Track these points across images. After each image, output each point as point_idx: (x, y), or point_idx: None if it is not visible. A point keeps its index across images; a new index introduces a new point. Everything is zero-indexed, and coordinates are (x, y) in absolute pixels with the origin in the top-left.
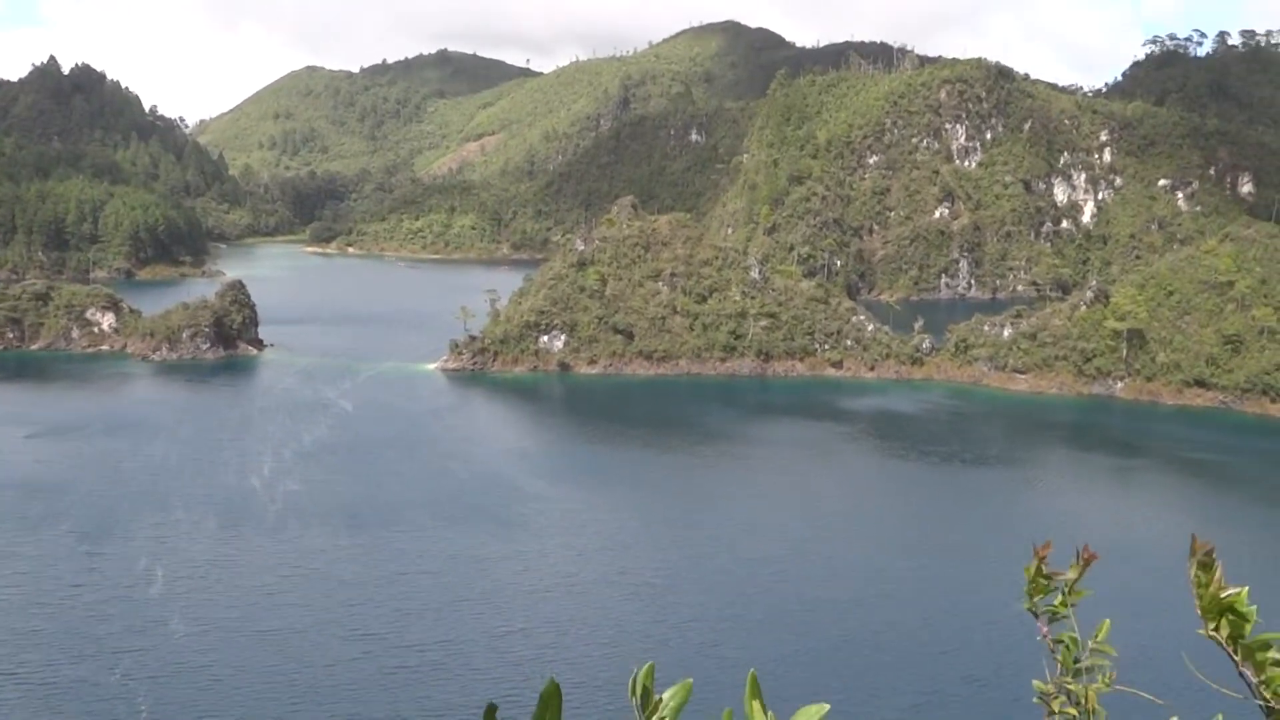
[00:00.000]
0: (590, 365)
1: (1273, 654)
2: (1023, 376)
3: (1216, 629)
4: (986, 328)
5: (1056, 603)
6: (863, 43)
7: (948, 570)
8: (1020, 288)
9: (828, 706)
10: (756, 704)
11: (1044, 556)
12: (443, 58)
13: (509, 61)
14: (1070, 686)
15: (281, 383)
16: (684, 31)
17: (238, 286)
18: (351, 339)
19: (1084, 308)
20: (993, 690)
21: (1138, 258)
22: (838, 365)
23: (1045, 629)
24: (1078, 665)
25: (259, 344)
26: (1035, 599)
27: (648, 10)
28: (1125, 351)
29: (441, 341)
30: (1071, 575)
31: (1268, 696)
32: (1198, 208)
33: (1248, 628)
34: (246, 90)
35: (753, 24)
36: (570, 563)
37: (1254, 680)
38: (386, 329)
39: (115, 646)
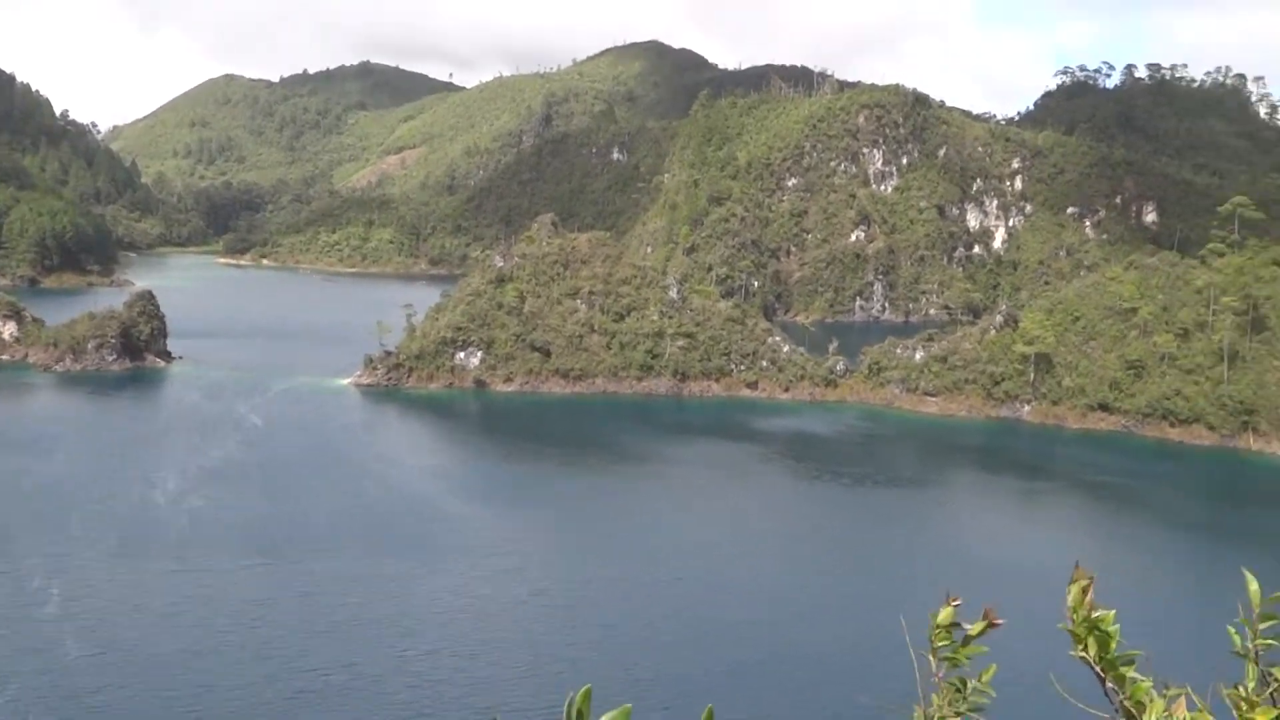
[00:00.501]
0: (507, 383)
1: (1133, 672)
2: (933, 399)
3: (1085, 649)
4: (899, 350)
5: (955, 652)
6: (784, 66)
7: (861, 591)
8: (933, 311)
9: None
10: None
11: (950, 607)
12: (364, 69)
13: (432, 75)
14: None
15: (190, 396)
16: (608, 50)
17: (147, 297)
18: (264, 352)
19: (994, 332)
20: (907, 711)
21: (1046, 284)
22: (753, 386)
23: (940, 675)
24: (961, 701)
25: (168, 356)
26: (936, 646)
27: (572, 28)
28: (1033, 375)
29: (356, 357)
30: (972, 632)
31: (1130, 709)
32: (1104, 235)
33: (1113, 645)
34: (162, 97)
35: (676, 45)
36: (483, 583)
37: (1119, 695)
38: (300, 343)
39: (5, 669)
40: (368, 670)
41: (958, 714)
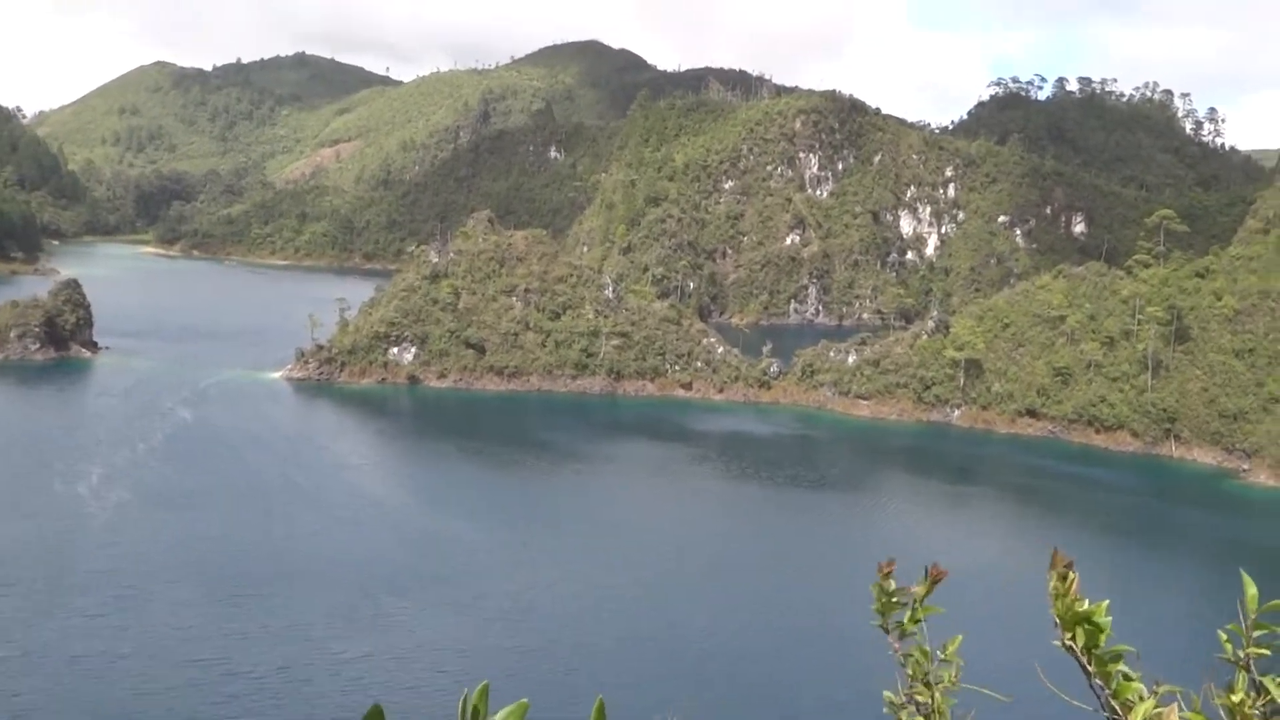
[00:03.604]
0: (440, 379)
1: (1123, 666)
2: (865, 402)
3: (1073, 639)
4: (832, 354)
5: (905, 619)
6: (722, 69)
7: (799, 594)
8: (865, 315)
9: None
10: None
11: (888, 574)
12: (300, 60)
13: (368, 68)
14: (920, 696)
15: (116, 387)
16: (546, 48)
17: (73, 285)
18: (193, 344)
19: (925, 337)
20: (849, 714)
21: (977, 290)
22: (687, 386)
23: (896, 645)
24: (927, 676)
25: (93, 346)
26: (886, 616)
27: (511, 24)
28: (962, 380)
29: (287, 350)
30: (919, 592)
31: (1115, 708)
32: (1034, 244)
33: (1103, 639)
34: (91, 83)
35: (615, 44)
36: (420, 587)
37: (1104, 692)
38: (230, 335)
39: None
40: (300, 674)
41: (924, 685)
